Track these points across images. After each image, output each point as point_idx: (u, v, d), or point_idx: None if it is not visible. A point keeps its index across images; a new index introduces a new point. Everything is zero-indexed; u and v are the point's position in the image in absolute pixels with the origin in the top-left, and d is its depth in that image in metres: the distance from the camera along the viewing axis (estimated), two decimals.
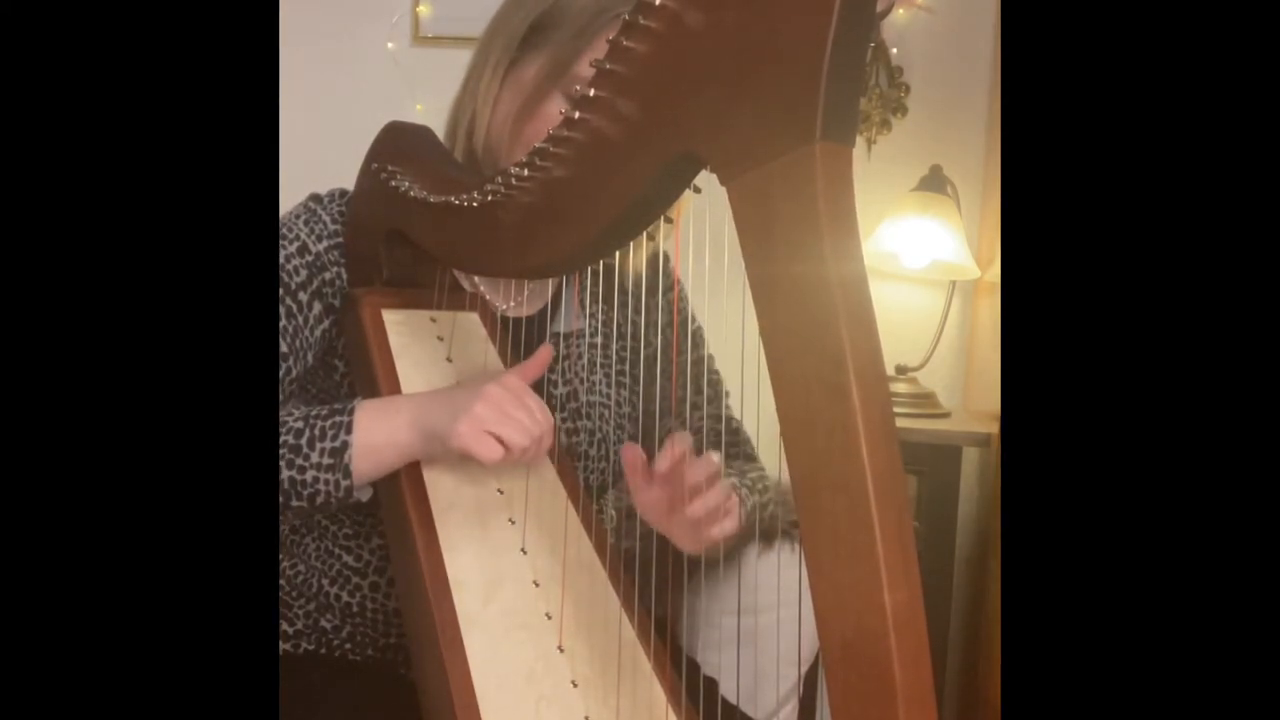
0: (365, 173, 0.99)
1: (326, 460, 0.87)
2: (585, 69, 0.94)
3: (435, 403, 0.89)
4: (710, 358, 1.17)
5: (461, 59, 1.07)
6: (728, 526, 0.91)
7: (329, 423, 0.88)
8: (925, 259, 1.87)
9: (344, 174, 1.06)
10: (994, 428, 1.82)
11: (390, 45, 2.11)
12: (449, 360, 1.00)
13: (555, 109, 0.96)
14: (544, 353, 0.95)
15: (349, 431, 0.87)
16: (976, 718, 1.93)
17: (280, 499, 0.87)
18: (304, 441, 0.87)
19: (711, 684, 1.02)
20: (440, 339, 1.01)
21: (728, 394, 1.17)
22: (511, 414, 0.86)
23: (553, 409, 1.05)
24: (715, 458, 0.89)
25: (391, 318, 0.99)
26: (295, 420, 0.88)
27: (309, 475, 0.87)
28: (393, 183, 0.93)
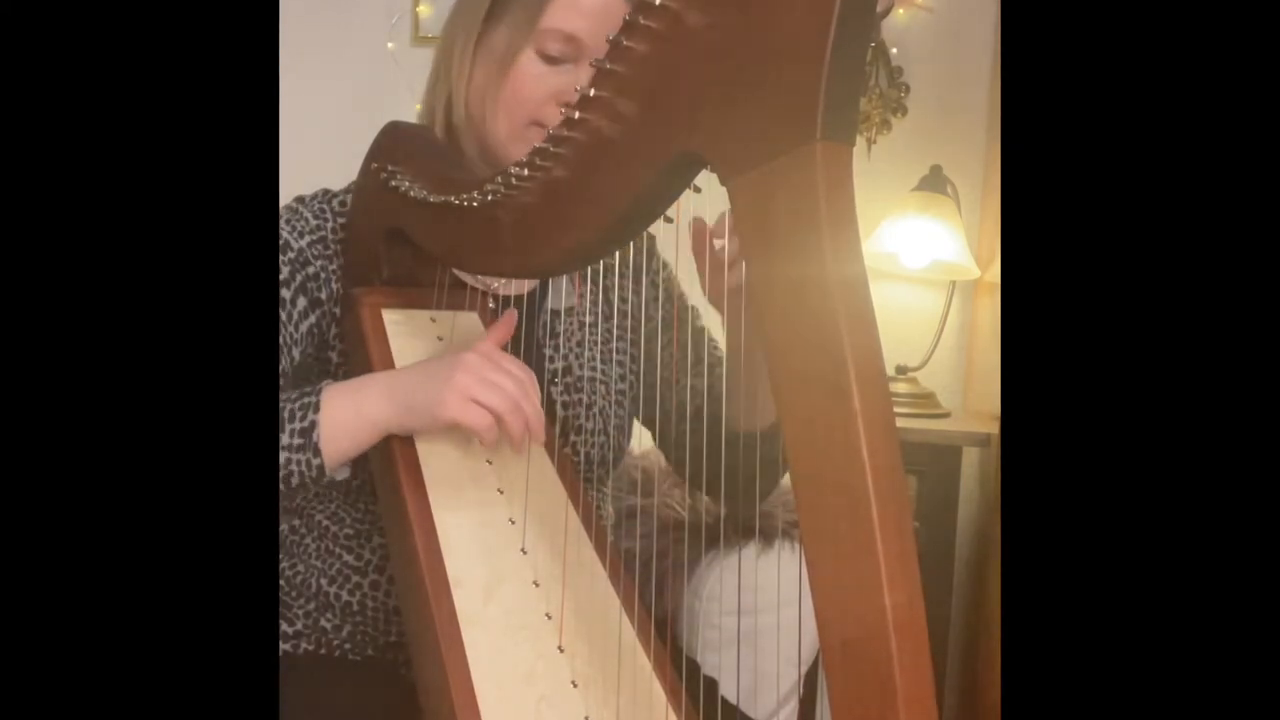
0: (365, 172, 0.99)
1: (297, 441, 0.87)
2: (553, 21, 0.97)
3: (409, 375, 0.89)
4: (701, 329, 1.17)
5: None
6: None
7: (298, 404, 0.88)
8: (925, 259, 1.87)
9: (344, 174, 1.06)
10: (994, 428, 1.82)
11: (390, 45, 2.11)
12: None
13: (530, 67, 0.98)
14: (509, 316, 0.95)
15: (317, 410, 0.87)
16: (976, 718, 1.93)
17: None
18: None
19: (712, 684, 1.02)
20: (440, 339, 1.01)
21: (721, 359, 1.17)
22: (492, 379, 0.86)
23: (549, 383, 1.05)
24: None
25: (391, 317, 0.99)
26: None
27: (281, 457, 0.87)
28: (393, 182, 0.93)
